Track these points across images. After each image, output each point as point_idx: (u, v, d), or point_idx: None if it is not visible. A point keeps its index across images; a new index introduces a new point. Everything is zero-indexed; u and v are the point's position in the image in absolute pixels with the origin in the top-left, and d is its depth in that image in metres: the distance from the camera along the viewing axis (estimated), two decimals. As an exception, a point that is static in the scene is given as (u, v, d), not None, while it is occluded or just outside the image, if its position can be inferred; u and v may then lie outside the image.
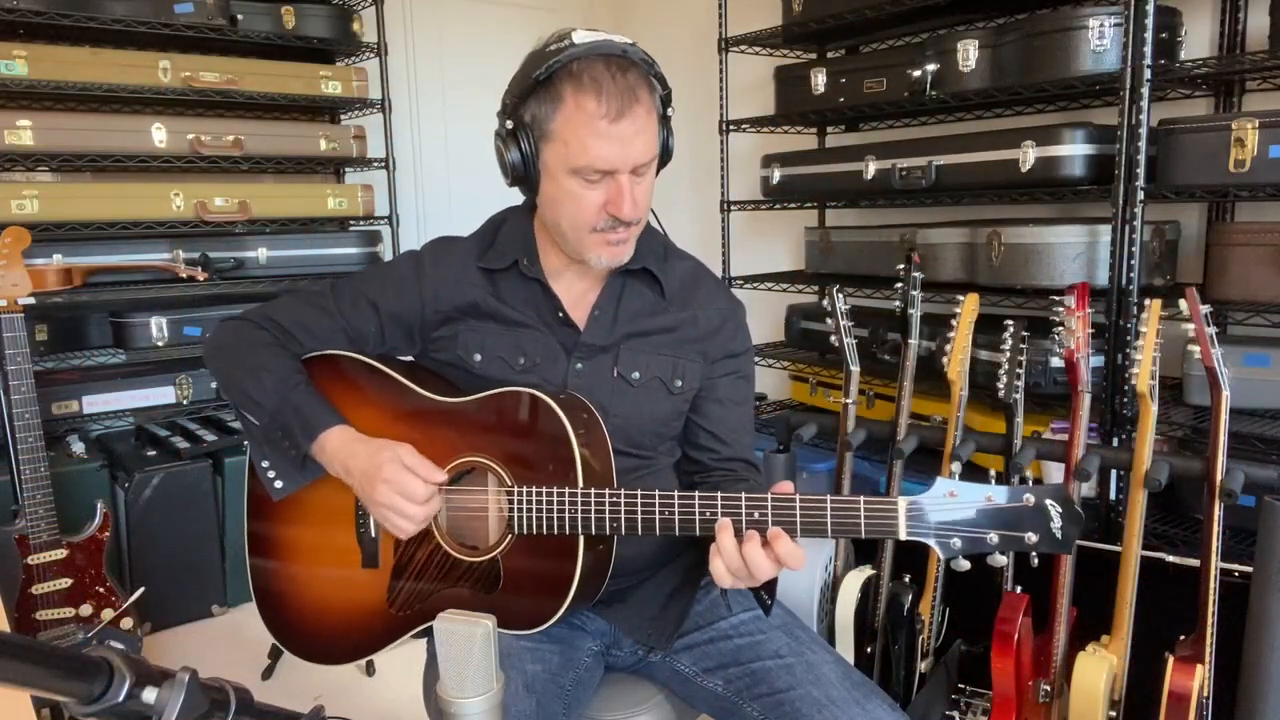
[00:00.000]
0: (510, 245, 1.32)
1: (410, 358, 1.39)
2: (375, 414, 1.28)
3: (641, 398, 1.30)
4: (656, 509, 1.10)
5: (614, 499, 1.11)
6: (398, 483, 1.16)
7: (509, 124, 1.21)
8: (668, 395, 1.32)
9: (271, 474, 1.26)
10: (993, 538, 0.99)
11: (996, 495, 0.99)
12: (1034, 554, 1.02)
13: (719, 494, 1.08)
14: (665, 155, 1.28)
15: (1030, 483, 1.14)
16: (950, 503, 1.00)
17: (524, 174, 1.22)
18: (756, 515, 1.06)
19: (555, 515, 1.14)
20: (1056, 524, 0.98)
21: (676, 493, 1.10)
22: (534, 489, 1.15)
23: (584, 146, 1.15)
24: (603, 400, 1.28)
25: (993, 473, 1.17)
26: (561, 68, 1.15)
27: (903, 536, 1.01)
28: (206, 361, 1.34)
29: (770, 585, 1.20)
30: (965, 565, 1.03)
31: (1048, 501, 0.98)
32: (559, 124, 1.16)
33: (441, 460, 1.22)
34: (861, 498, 1.03)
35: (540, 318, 1.31)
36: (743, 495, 1.07)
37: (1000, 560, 1.04)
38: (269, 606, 1.34)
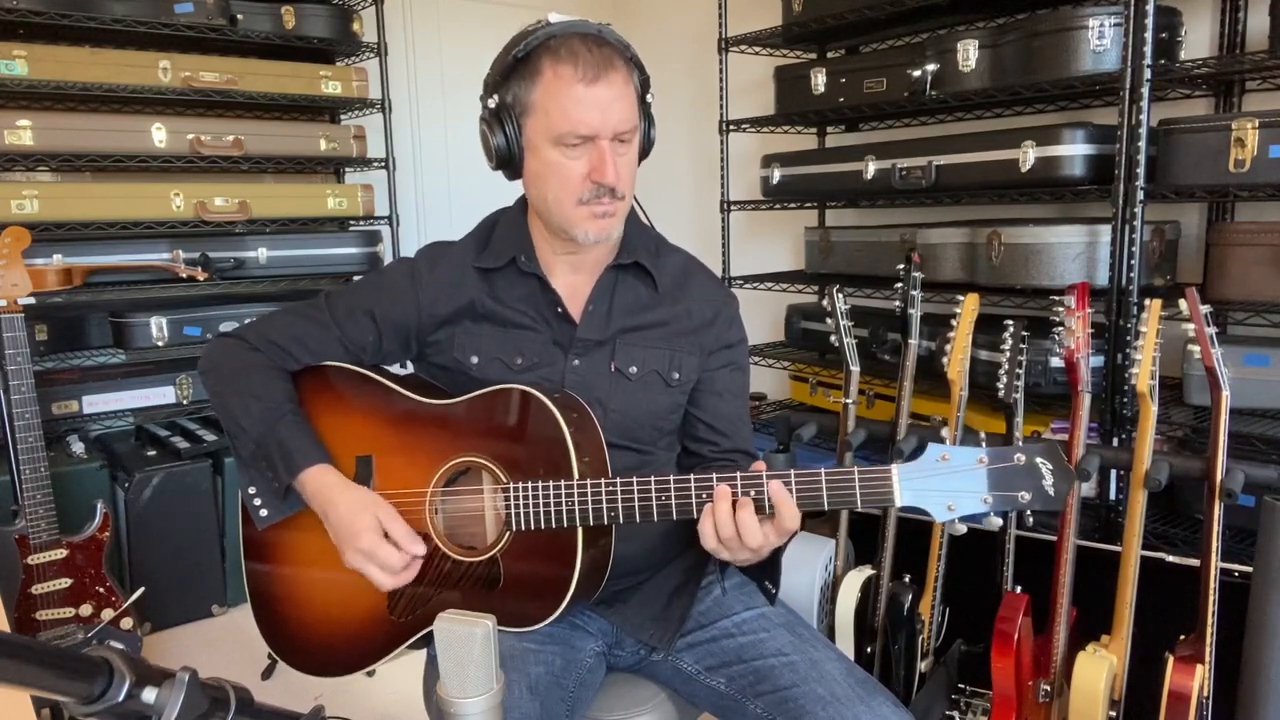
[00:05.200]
0: (506, 243, 1.33)
1: (407, 367, 1.39)
2: (367, 421, 1.28)
3: (639, 391, 1.31)
4: (653, 494, 1.10)
5: (610, 487, 1.11)
6: (371, 554, 1.17)
7: (491, 104, 1.23)
8: (665, 388, 1.32)
9: (258, 502, 1.27)
10: (987, 499, 1.00)
11: (988, 457, 1.00)
12: (1029, 513, 1.02)
13: (714, 474, 1.08)
14: (647, 146, 1.29)
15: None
16: (943, 467, 1.00)
17: (508, 154, 1.24)
18: (754, 494, 1.07)
19: (552, 509, 1.13)
20: (1048, 481, 0.99)
21: (672, 476, 1.10)
22: (529, 484, 1.15)
23: (564, 112, 1.17)
24: (601, 395, 1.28)
25: (983, 435, 1.17)
26: (539, 44, 1.18)
27: (899, 503, 1.02)
28: (201, 379, 1.34)
29: (775, 574, 1.20)
30: (962, 529, 1.04)
31: (1038, 460, 0.99)
32: (538, 95, 1.19)
33: (435, 463, 1.22)
34: (856, 468, 1.04)
35: (539, 314, 1.31)
36: (737, 475, 1.08)
37: (996, 522, 1.04)
38: (268, 622, 1.33)
